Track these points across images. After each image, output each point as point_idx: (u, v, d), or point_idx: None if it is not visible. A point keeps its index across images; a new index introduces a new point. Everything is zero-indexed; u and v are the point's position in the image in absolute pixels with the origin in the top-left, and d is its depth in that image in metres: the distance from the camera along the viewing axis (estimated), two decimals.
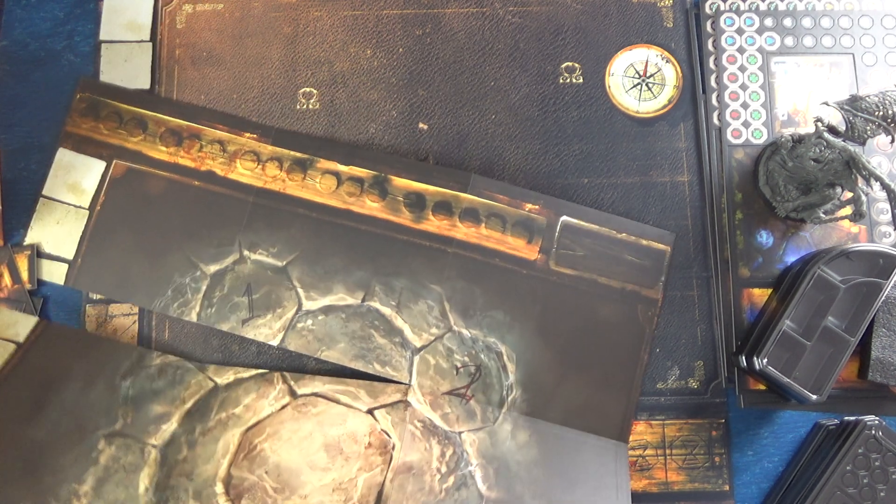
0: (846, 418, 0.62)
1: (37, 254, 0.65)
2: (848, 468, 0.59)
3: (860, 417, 0.61)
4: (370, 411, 0.60)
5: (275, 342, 0.62)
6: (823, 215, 0.62)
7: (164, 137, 0.66)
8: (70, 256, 0.64)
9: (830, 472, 0.59)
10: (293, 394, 0.61)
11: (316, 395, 0.61)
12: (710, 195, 0.66)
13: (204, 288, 0.63)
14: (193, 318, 0.62)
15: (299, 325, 0.62)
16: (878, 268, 0.60)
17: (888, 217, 0.65)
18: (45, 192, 0.65)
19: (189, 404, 0.60)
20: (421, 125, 0.69)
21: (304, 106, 0.69)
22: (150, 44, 0.69)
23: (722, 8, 0.69)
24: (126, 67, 0.69)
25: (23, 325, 0.62)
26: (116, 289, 0.63)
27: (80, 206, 0.65)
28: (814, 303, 0.60)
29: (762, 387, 0.63)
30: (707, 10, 0.70)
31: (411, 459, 0.59)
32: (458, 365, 0.61)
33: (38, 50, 0.69)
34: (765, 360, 0.59)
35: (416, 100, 0.69)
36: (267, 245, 0.64)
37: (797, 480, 0.61)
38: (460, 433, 0.60)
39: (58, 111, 0.68)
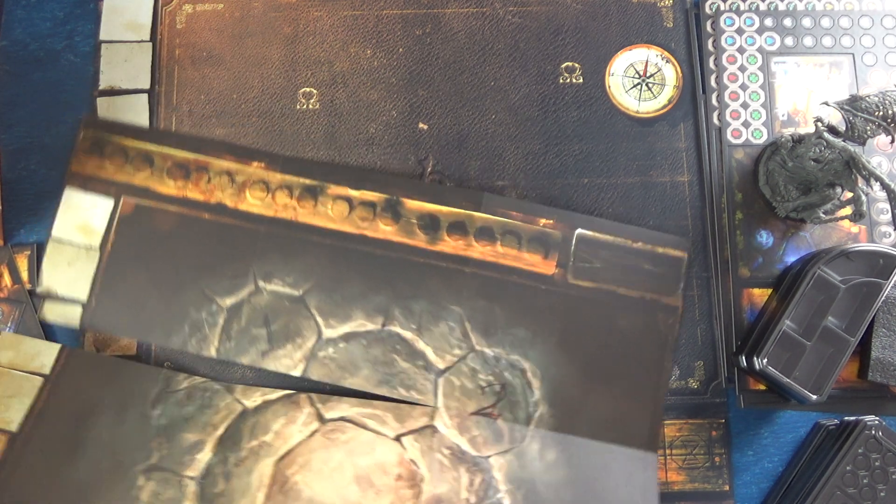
0: (846, 418, 0.62)
1: (48, 296, 0.65)
2: (848, 468, 0.59)
3: (860, 417, 0.61)
4: (398, 438, 0.60)
5: (297, 372, 0.61)
6: (823, 215, 0.62)
7: (172, 171, 0.65)
8: (84, 298, 0.63)
9: (830, 472, 0.59)
10: (321, 418, 0.60)
11: (343, 419, 0.60)
12: (710, 195, 0.66)
13: (221, 322, 0.62)
14: (212, 352, 0.61)
15: (321, 354, 0.61)
16: (878, 268, 0.60)
17: (888, 217, 0.65)
18: (54, 233, 0.64)
19: (220, 430, 0.60)
20: (421, 125, 0.69)
21: (304, 106, 0.69)
22: (150, 44, 0.69)
23: (722, 8, 0.69)
24: (126, 67, 0.69)
25: (46, 354, 0.61)
26: (132, 328, 0.62)
27: (90, 247, 0.63)
28: (814, 303, 0.60)
29: (762, 387, 0.63)
30: (707, 10, 0.70)
31: (440, 492, 0.59)
32: (483, 384, 0.61)
33: (38, 50, 0.69)
34: (765, 360, 0.59)
35: (416, 100, 0.69)
36: (282, 274, 0.63)
37: (797, 480, 0.61)
38: (488, 457, 0.59)
39: (58, 111, 0.68)
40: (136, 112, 0.67)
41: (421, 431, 0.60)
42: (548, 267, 0.63)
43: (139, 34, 0.70)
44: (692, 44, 0.69)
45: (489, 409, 0.60)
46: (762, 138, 0.67)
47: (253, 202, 0.64)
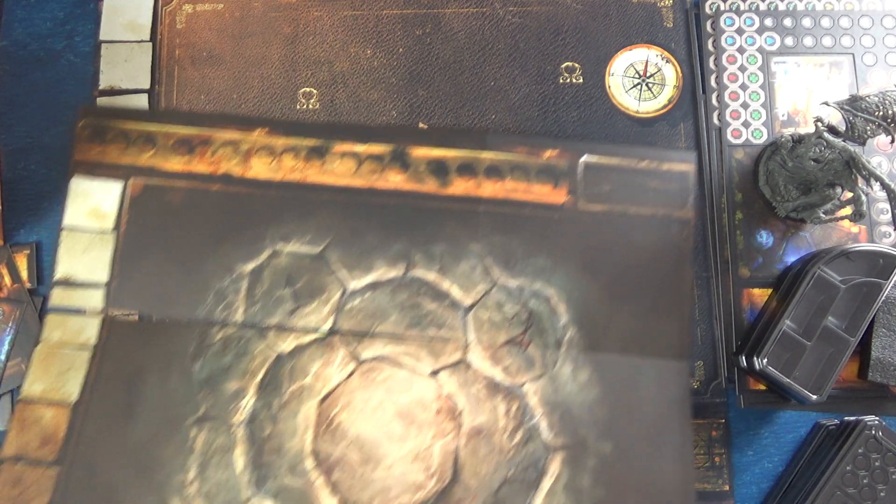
0: (846, 418, 0.62)
1: (66, 284, 0.65)
2: (848, 468, 0.59)
3: (860, 417, 0.61)
4: (434, 374, 0.61)
5: (326, 327, 0.62)
6: (823, 215, 0.62)
7: (175, 148, 0.65)
8: (104, 281, 0.63)
9: (830, 472, 0.59)
10: (356, 359, 0.61)
11: (378, 358, 0.62)
12: (710, 195, 0.66)
13: (244, 287, 0.63)
14: (240, 318, 0.62)
15: (347, 307, 0.62)
16: (878, 268, 0.60)
17: (888, 217, 0.65)
18: (66, 222, 0.64)
19: (259, 377, 0.61)
20: (421, 125, 0.69)
21: (304, 106, 0.69)
22: (150, 44, 0.69)
23: (722, 8, 0.69)
24: (126, 67, 0.69)
25: (90, 328, 0.62)
26: (156, 305, 0.63)
27: (104, 231, 0.64)
28: (814, 303, 0.60)
29: (762, 387, 0.63)
30: (707, 10, 0.70)
31: (479, 422, 0.60)
32: (510, 315, 0.62)
33: (38, 50, 0.69)
34: (765, 360, 0.59)
35: (416, 100, 0.69)
36: (299, 235, 0.64)
37: (797, 480, 0.61)
38: (522, 385, 0.61)
39: (58, 111, 0.68)
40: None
41: (455, 367, 0.61)
42: (558, 196, 0.65)
43: (139, 34, 0.70)
44: (692, 44, 0.69)
45: (518, 339, 0.62)
46: (762, 138, 0.67)
47: (260, 168, 0.65)
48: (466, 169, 0.65)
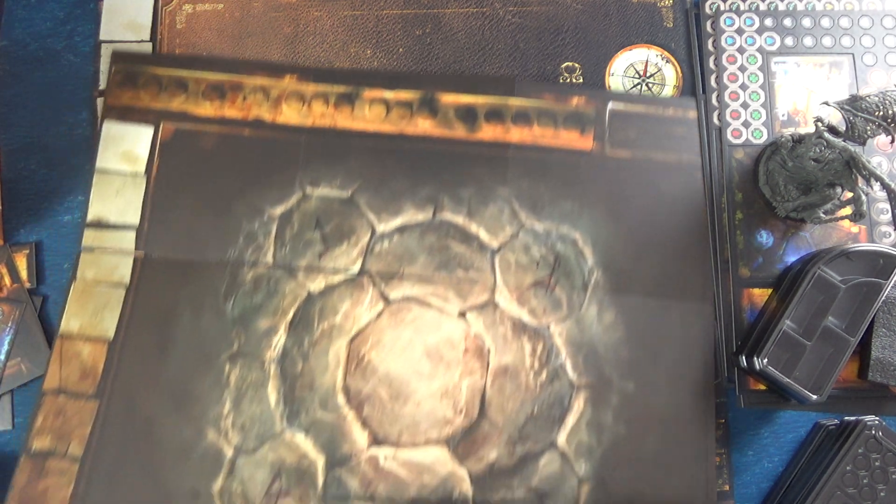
0: (846, 418, 0.62)
1: (37, 252, 0.65)
2: (848, 468, 0.59)
3: (860, 417, 0.60)
4: (462, 314, 0.63)
5: (355, 269, 0.64)
6: (823, 215, 0.62)
7: (207, 94, 0.67)
8: (136, 223, 0.65)
9: (830, 472, 0.59)
10: (385, 299, 0.63)
11: (407, 299, 0.63)
12: (710, 195, 0.66)
13: (274, 230, 0.64)
14: (269, 260, 0.64)
15: (377, 249, 0.64)
16: (878, 268, 0.60)
17: (888, 217, 0.65)
18: (98, 165, 0.66)
19: (290, 315, 0.63)
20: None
21: None
22: (150, 44, 0.69)
23: (722, 8, 0.69)
24: None
25: (124, 265, 0.64)
26: (187, 246, 0.64)
27: (136, 173, 0.65)
28: (814, 303, 0.60)
29: (762, 387, 0.63)
30: (707, 10, 0.70)
31: (506, 361, 0.62)
32: (538, 258, 0.64)
33: (38, 50, 0.69)
34: (765, 360, 0.59)
35: None
36: (328, 179, 0.65)
37: (797, 480, 0.61)
38: (548, 326, 0.63)
39: (58, 111, 0.68)
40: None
41: (483, 307, 0.63)
42: (585, 142, 0.66)
43: (139, 34, 0.70)
44: (692, 44, 0.69)
45: (545, 281, 0.63)
46: (762, 138, 0.67)
47: (290, 114, 0.67)
48: (495, 115, 0.67)
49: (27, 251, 0.65)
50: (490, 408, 0.61)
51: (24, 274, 0.65)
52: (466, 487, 0.60)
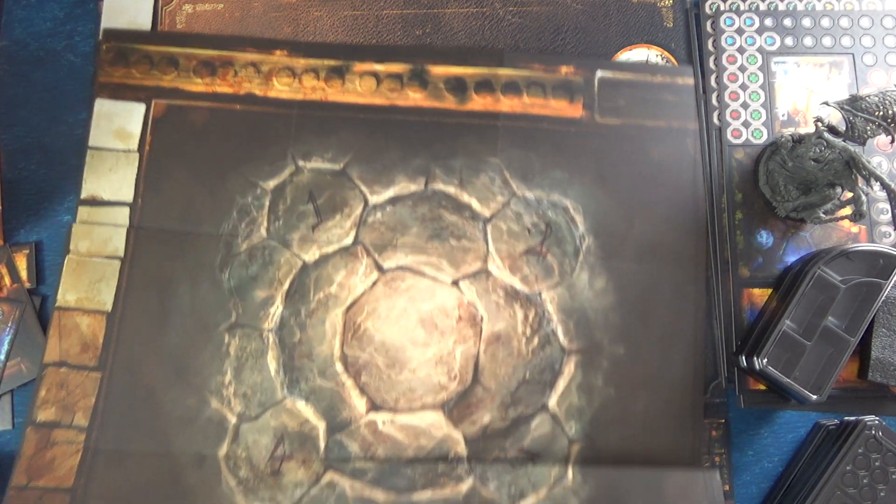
0: (846, 418, 0.62)
1: (35, 253, 0.65)
2: (848, 468, 0.59)
3: (860, 417, 0.60)
4: (455, 283, 0.64)
5: (349, 240, 0.64)
6: (823, 215, 0.62)
7: (198, 70, 0.67)
8: (130, 199, 0.65)
9: (830, 472, 0.59)
10: (380, 268, 0.64)
11: (401, 268, 0.64)
12: (710, 195, 0.66)
13: (267, 203, 0.65)
14: (263, 233, 0.65)
15: (370, 220, 0.65)
16: (878, 268, 0.60)
17: (888, 217, 0.65)
18: (91, 143, 0.66)
19: (286, 285, 0.64)
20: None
21: None
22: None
23: (722, 8, 0.69)
24: None
25: (117, 238, 0.64)
26: (182, 221, 0.65)
27: (129, 150, 0.66)
28: (814, 303, 0.60)
29: (762, 387, 0.63)
30: (707, 10, 0.70)
31: (499, 328, 0.63)
32: (529, 226, 0.65)
33: (38, 50, 0.69)
34: (765, 360, 0.59)
35: None
36: (320, 152, 0.66)
37: (797, 480, 0.61)
38: (540, 293, 0.64)
39: (58, 111, 0.68)
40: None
41: (475, 275, 0.64)
42: (575, 110, 0.67)
43: None
44: (692, 44, 0.69)
45: (537, 248, 0.64)
46: (762, 138, 0.67)
47: (281, 88, 0.67)
48: (484, 85, 0.67)
49: (27, 251, 0.65)
50: (483, 373, 0.63)
51: (23, 274, 0.65)
52: (461, 449, 0.62)
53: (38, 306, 0.64)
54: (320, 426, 0.62)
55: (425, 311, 0.64)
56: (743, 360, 0.61)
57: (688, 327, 0.63)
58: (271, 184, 0.65)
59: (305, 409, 0.62)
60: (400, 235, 0.65)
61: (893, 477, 0.59)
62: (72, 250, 0.64)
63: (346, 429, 0.62)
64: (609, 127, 0.67)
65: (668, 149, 0.66)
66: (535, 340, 0.63)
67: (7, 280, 0.65)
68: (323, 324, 0.63)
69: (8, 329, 0.64)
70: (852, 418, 0.61)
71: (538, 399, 0.62)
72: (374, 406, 0.62)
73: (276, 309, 0.63)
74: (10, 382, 0.63)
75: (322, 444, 0.61)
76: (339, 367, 0.63)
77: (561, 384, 0.63)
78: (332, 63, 0.67)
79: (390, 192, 0.65)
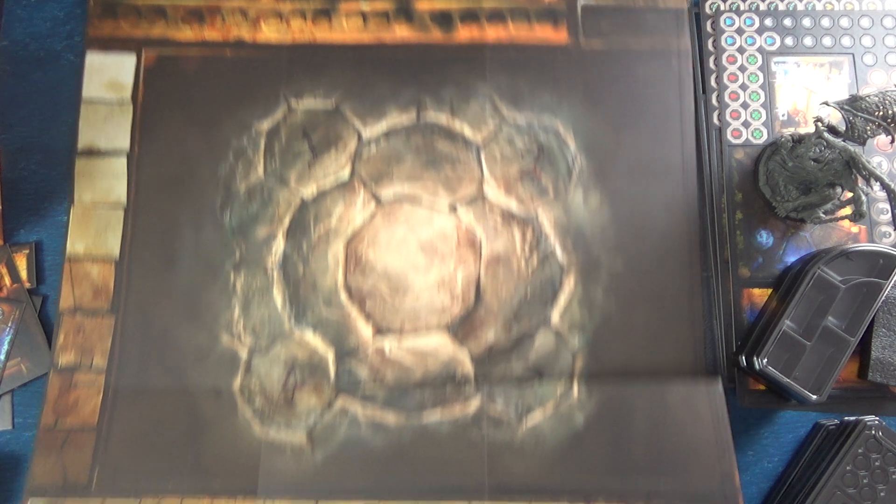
0: (846, 418, 0.62)
1: (89, 154, 0.65)
2: (848, 468, 0.59)
3: (860, 417, 0.60)
4: (452, 208, 0.66)
5: (345, 174, 0.66)
6: (823, 215, 0.62)
7: (186, 18, 0.68)
8: (126, 147, 0.66)
9: (830, 472, 0.59)
10: (377, 200, 0.65)
11: (398, 198, 0.66)
12: (710, 195, 0.66)
13: (263, 144, 0.67)
14: (260, 173, 0.66)
15: (364, 154, 0.66)
16: (878, 268, 0.60)
17: (888, 217, 0.65)
18: (84, 95, 0.67)
19: (287, 222, 0.65)
20: None
21: None
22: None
23: (722, 8, 0.69)
24: None
25: (118, 187, 0.66)
26: (180, 166, 0.66)
27: (122, 100, 0.67)
28: (814, 303, 0.60)
29: (762, 387, 0.63)
30: (707, 10, 0.70)
31: (498, 250, 0.65)
32: (521, 149, 0.66)
33: (38, 50, 0.69)
34: (765, 360, 0.59)
35: None
36: (312, 91, 0.68)
37: (797, 480, 0.61)
38: (536, 213, 0.66)
39: (58, 111, 0.68)
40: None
41: (472, 200, 0.66)
42: (559, 36, 0.69)
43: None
44: (692, 44, 0.69)
45: (531, 170, 0.66)
46: (762, 138, 0.67)
47: (269, 32, 0.69)
48: (469, 16, 0.68)
49: (27, 251, 0.65)
50: (485, 294, 0.64)
51: (23, 274, 0.65)
52: (468, 368, 0.63)
53: (39, 306, 0.64)
54: (329, 354, 0.63)
55: (425, 238, 0.65)
56: (743, 360, 0.61)
57: (682, 238, 0.65)
58: (265, 125, 0.67)
59: (313, 339, 0.64)
60: (395, 166, 0.66)
61: (893, 477, 0.59)
62: (76, 202, 0.66)
63: (355, 355, 0.63)
64: (594, 50, 0.68)
65: (653, 69, 0.68)
66: (535, 259, 0.65)
67: (7, 280, 0.65)
68: (325, 256, 0.65)
69: (8, 329, 0.64)
70: (852, 418, 0.61)
71: (540, 316, 0.64)
72: (380, 332, 0.64)
73: (279, 245, 0.65)
74: (10, 382, 0.63)
75: (332, 372, 0.63)
76: (343, 296, 0.64)
77: (562, 300, 0.64)
78: (318, 4, 0.69)
79: (383, 126, 0.67)
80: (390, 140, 0.66)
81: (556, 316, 0.64)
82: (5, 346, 0.64)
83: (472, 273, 0.65)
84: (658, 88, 0.67)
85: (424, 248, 0.65)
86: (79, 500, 0.60)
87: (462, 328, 0.64)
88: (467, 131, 0.67)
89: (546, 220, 0.65)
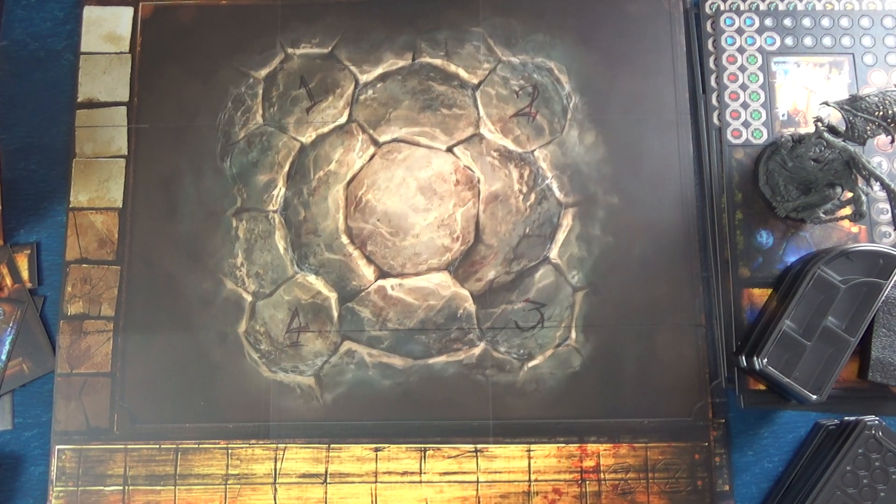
0: (846, 418, 0.62)
1: (90, 106, 0.65)
2: (848, 468, 0.59)
3: (860, 417, 0.61)
4: (450, 149, 0.67)
5: (343, 119, 0.67)
6: (823, 215, 0.62)
7: None
8: (126, 99, 0.68)
9: (830, 472, 0.59)
10: (375, 142, 0.67)
11: (396, 140, 0.67)
12: (710, 195, 0.66)
13: (261, 91, 0.68)
14: (259, 120, 0.67)
15: (362, 98, 0.68)
16: (878, 268, 0.60)
17: (888, 217, 0.65)
18: (83, 48, 0.69)
19: (286, 167, 0.67)
20: None
21: None
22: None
23: (722, 8, 0.69)
24: None
25: (119, 138, 0.67)
26: (178, 114, 0.67)
27: (121, 52, 0.68)
28: (814, 303, 0.60)
29: (762, 387, 0.63)
30: (707, 10, 0.70)
31: (496, 188, 0.67)
32: (517, 89, 0.68)
33: (38, 50, 0.69)
34: (765, 360, 0.59)
35: None
36: (308, 38, 0.69)
37: (797, 480, 0.61)
38: (533, 152, 0.67)
39: (58, 111, 0.68)
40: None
41: (469, 141, 0.67)
42: None
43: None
44: (692, 44, 0.69)
45: (527, 109, 0.67)
46: (762, 138, 0.67)
47: None
48: None
49: (28, 251, 0.65)
50: (485, 232, 0.66)
51: (25, 274, 0.65)
52: (469, 305, 0.65)
53: (40, 306, 0.64)
54: (332, 297, 0.65)
55: (423, 179, 0.67)
56: (743, 360, 0.61)
57: (676, 173, 0.66)
58: (263, 72, 0.68)
59: (316, 282, 0.65)
60: (392, 110, 0.67)
61: (893, 477, 0.59)
62: (78, 153, 0.67)
63: (357, 297, 0.65)
64: None
65: (644, 5, 0.69)
66: (532, 197, 0.66)
67: (8, 280, 0.65)
68: (325, 200, 0.66)
69: (9, 329, 0.64)
70: (852, 418, 0.61)
71: (540, 252, 0.66)
72: (381, 273, 0.66)
73: (279, 191, 0.67)
74: (12, 383, 0.63)
75: (335, 314, 0.65)
76: (344, 239, 0.66)
77: (560, 236, 0.66)
78: None
79: (379, 70, 0.68)
80: (387, 84, 0.68)
81: (555, 252, 0.66)
82: (6, 347, 0.64)
83: (471, 212, 0.66)
84: (649, 25, 0.69)
85: (423, 189, 0.66)
86: (103, 445, 0.63)
87: (463, 266, 0.66)
88: (462, 73, 0.68)
89: (542, 158, 0.67)
